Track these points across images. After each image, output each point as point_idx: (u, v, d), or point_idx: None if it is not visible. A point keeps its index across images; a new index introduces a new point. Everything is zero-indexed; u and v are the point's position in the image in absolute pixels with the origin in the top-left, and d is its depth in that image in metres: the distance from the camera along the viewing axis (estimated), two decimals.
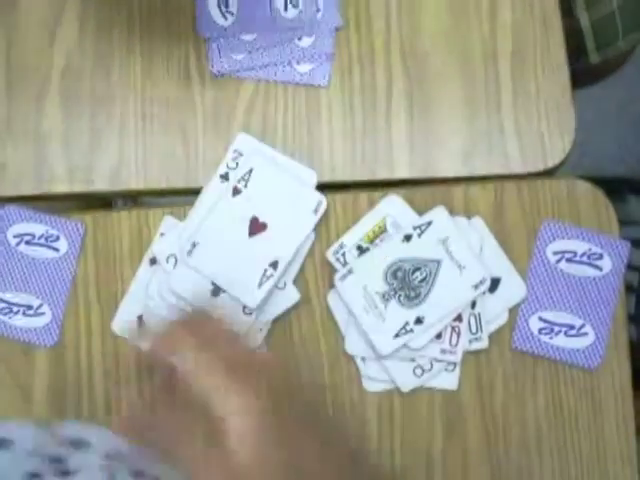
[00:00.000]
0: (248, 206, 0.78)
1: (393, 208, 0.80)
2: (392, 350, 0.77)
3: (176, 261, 0.78)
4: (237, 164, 0.79)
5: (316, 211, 0.78)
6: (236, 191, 0.78)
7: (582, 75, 1.13)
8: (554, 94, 0.83)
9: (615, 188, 1.20)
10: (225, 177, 0.79)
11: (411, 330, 0.77)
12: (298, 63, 0.83)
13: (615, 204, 1.22)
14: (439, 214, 0.79)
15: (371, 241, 0.80)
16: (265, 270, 0.77)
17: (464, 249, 0.79)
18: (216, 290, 0.77)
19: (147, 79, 0.83)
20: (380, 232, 0.80)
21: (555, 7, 0.85)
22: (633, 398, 1.20)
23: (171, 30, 0.84)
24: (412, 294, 0.78)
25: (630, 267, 1.17)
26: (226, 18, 0.83)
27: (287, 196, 0.78)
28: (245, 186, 0.78)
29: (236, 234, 0.78)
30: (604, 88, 1.62)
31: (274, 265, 0.77)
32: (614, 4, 1.03)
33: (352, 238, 0.80)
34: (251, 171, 0.79)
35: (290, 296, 0.78)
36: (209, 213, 0.78)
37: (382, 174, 0.82)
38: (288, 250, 0.78)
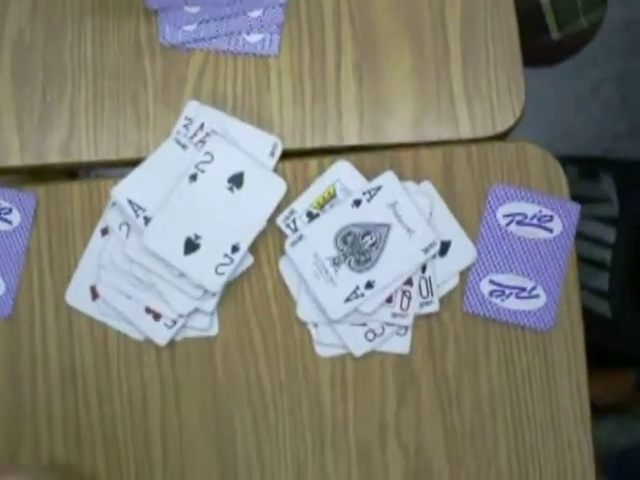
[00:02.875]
0: (205, 177, 0.78)
1: (343, 174, 0.80)
2: (343, 314, 0.78)
3: (129, 228, 0.78)
4: (188, 130, 0.80)
5: (273, 154, 0.79)
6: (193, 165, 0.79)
7: (547, 52, 1.14)
8: (504, 61, 0.83)
9: (589, 167, 1.20)
10: (178, 143, 0.79)
11: (362, 294, 0.78)
12: (248, 34, 0.84)
13: (588, 183, 1.23)
14: (388, 179, 0.79)
15: (321, 207, 0.80)
16: (225, 254, 0.78)
17: (413, 213, 0.79)
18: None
19: (98, 52, 0.84)
20: (330, 198, 0.80)
21: None
22: (605, 376, 1.21)
23: (122, 3, 0.84)
24: (362, 259, 0.78)
25: (603, 244, 1.18)
26: None
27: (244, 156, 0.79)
28: (199, 150, 0.79)
29: (193, 207, 0.78)
30: (577, 70, 1.63)
31: (235, 249, 0.77)
32: None
33: (302, 204, 0.80)
34: (205, 135, 0.79)
35: (243, 260, 0.78)
36: (161, 180, 0.78)
37: (332, 141, 0.82)
38: (250, 233, 0.78)
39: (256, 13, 0.84)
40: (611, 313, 1.18)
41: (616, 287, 1.18)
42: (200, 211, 0.77)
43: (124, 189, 0.78)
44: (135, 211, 0.77)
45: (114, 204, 0.79)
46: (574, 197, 0.80)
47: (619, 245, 1.18)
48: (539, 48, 1.09)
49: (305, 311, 0.79)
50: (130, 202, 0.77)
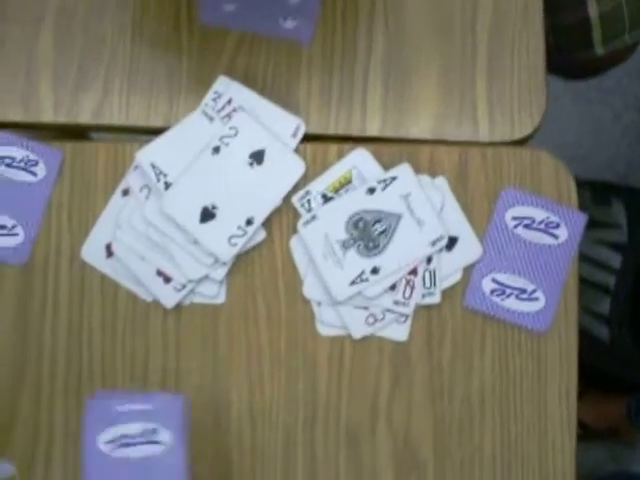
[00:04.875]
0: (229, 150, 0.81)
1: (360, 161, 0.83)
2: (347, 297, 0.80)
3: (149, 191, 0.81)
4: (216, 103, 0.83)
5: (295, 135, 0.81)
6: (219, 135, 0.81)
7: (586, 66, 1.15)
8: (528, 71, 0.86)
9: (601, 192, 1.23)
10: (206, 115, 0.82)
11: (367, 279, 0.80)
12: (285, 19, 0.86)
13: (600, 207, 1.25)
14: (404, 170, 0.82)
15: (336, 191, 0.82)
16: (239, 226, 0.80)
17: (425, 206, 0.81)
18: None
19: (138, 24, 0.87)
20: (346, 183, 0.82)
21: None
22: (599, 399, 1.22)
23: None
24: (371, 245, 0.80)
25: (608, 269, 1.20)
26: None
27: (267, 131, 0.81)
28: (225, 124, 0.81)
29: (213, 178, 0.80)
30: (600, 94, 1.65)
31: (249, 222, 0.80)
32: None
33: (318, 186, 0.82)
34: (232, 110, 0.82)
35: (256, 234, 0.81)
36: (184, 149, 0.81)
37: (354, 131, 0.85)
38: (265, 208, 0.81)
39: (294, 0, 0.86)
40: (609, 338, 1.19)
41: (616, 313, 1.19)
42: (219, 182, 0.80)
43: (148, 153, 0.81)
44: (157, 175, 0.80)
45: (137, 167, 0.82)
46: None
47: (624, 271, 1.20)
48: (579, 62, 1.11)
49: (311, 290, 0.81)
50: (153, 166, 0.80)
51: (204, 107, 0.83)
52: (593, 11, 1.05)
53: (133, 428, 0.73)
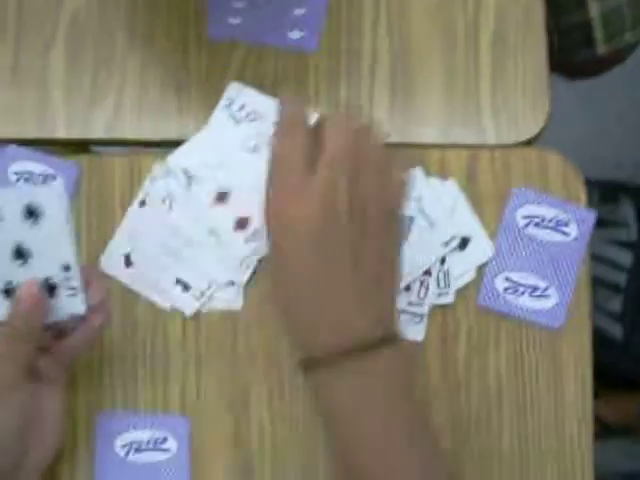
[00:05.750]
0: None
1: None
2: None
3: (171, 201, 0.83)
4: (230, 109, 0.85)
5: None
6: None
7: (588, 65, 1.17)
8: (532, 73, 0.88)
9: (609, 191, 1.24)
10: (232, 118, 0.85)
11: None
12: (291, 30, 0.88)
13: (608, 207, 1.26)
14: (414, 174, 0.83)
15: None
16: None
17: (437, 208, 0.83)
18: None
19: (148, 40, 0.89)
20: None
21: None
22: (613, 397, 1.23)
23: None
24: None
25: (619, 268, 1.21)
26: None
27: None
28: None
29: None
30: (604, 95, 1.66)
31: None
32: None
33: None
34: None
35: None
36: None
37: None
38: None
39: (299, 11, 0.88)
40: (622, 335, 1.20)
41: (629, 310, 1.20)
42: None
43: (179, 158, 0.83)
44: (188, 179, 0.82)
45: (153, 178, 0.84)
46: None
47: (635, 269, 1.21)
48: (581, 62, 1.12)
49: None
50: (185, 171, 0.82)
51: (227, 110, 0.84)
52: (594, 10, 1.07)
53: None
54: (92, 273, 0.73)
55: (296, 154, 0.62)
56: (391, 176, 0.64)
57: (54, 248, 0.69)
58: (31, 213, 0.69)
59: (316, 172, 0.61)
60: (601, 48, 1.08)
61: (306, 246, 0.61)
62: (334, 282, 0.62)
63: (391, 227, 0.64)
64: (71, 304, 0.71)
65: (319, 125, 0.65)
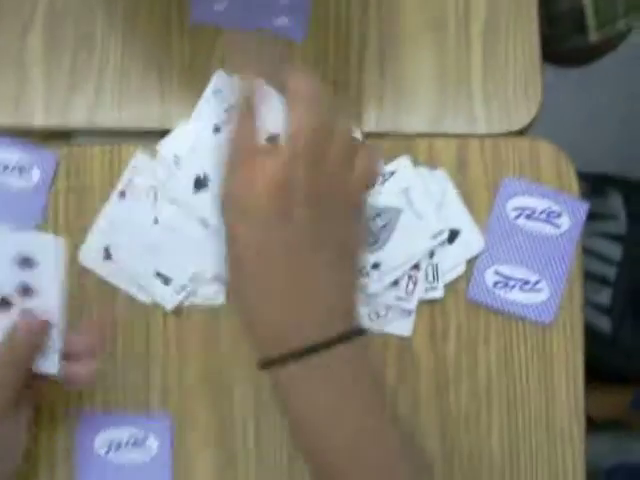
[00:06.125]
0: None
1: None
2: None
3: (156, 193, 0.80)
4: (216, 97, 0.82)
5: None
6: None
7: (581, 53, 1.15)
8: (524, 62, 0.86)
9: (599, 184, 1.22)
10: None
11: (367, 274, 0.79)
12: (276, 17, 0.86)
13: (597, 199, 1.24)
14: (403, 164, 0.81)
15: None
16: None
17: (425, 200, 0.80)
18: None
19: (130, 23, 0.86)
20: None
21: None
22: (603, 391, 1.21)
23: None
24: (371, 239, 0.80)
25: (608, 261, 1.19)
26: None
27: None
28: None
29: None
30: (596, 85, 1.65)
31: None
32: None
33: None
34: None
35: None
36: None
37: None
38: None
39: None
40: (611, 329, 1.19)
41: (618, 303, 1.19)
42: None
43: (170, 144, 0.81)
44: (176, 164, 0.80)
45: (135, 169, 0.81)
46: None
47: (624, 263, 1.19)
48: (572, 49, 1.11)
49: None
50: (175, 158, 0.80)
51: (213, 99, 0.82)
52: None
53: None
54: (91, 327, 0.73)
55: (253, 135, 0.59)
56: (353, 167, 0.61)
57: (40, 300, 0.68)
58: (25, 261, 0.68)
59: (274, 155, 0.58)
60: (593, 35, 1.06)
61: (261, 232, 0.58)
62: (293, 275, 0.58)
63: (350, 218, 0.61)
64: (45, 361, 0.69)
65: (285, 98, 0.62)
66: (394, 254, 0.79)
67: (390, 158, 0.82)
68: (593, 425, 1.26)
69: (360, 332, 0.59)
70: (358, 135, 0.69)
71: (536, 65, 0.86)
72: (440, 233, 0.80)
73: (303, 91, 0.58)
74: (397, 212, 0.80)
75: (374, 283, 0.79)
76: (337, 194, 0.59)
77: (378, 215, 0.80)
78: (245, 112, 0.60)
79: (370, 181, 0.61)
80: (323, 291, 0.59)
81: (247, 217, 0.57)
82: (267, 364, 0.58)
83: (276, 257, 0.58)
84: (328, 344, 0.57)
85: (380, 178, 0.80)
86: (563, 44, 1.09)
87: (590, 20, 1.05)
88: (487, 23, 0.86)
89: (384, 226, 0.80)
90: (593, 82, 1.64)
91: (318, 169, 0.58)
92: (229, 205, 0.58)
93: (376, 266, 0.79)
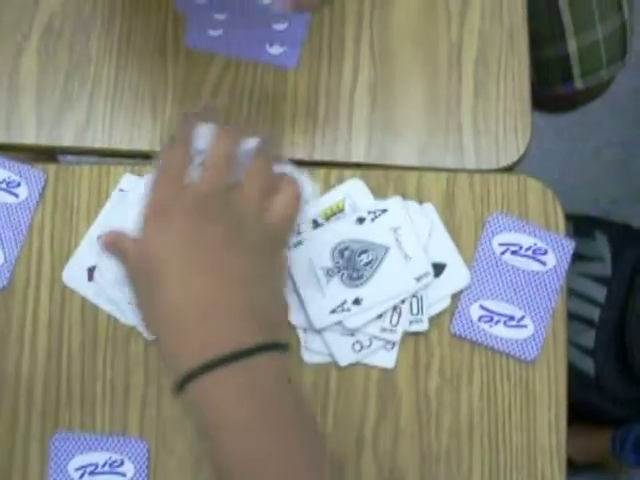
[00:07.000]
0: None
1: (354, 191, 0.82)
2: (326, 325, 0.78)
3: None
4: None
5: None
6: None
7: (566, 100, 1.17)
8: (514, 99, 0.86)
9: (585, 226, 1.23)
10: None
11: (348, 309, 0.79)
12: (271, 45, 0.86)
13: (584, 241, 1.24)
14: (395, 204, 0.81)
15: (327, 218, 0.81)
16: None
17: (413, 241, 0.80)
18: None
19: (124, 46, 0.86)
20: (338, 211, 0.82)
21: (523, 21, 0.88)
22: (585, 432, 1.21)
23: (152, 3, 0.87)
24: (355, 275, 0.79)
25: (593, 302, 1.19)
26: None
27: None
28: None
29: None
30: (582, 131, 1.66)
31: None
32: (599, 34, 1.07)
33: (310, 212, 0.81)
34: None
35: None
36: None
37: (339, 157, 0.84)
38: None
39: (280, 26, 0.86)
40: (594, 371, 1.18)
41: (601, 346, 1.19)
42: None
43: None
44: None
45: (121, 190, 0.81)
46: None
47: (608, 305, 1.19)
48: (558, 96, 1.13)
49: (295, 316, 0.80)
50: None
51: None
52: (572, 45, 1.07)
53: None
54: None
55: (178, 164, 0.64)
56: (274, 197, 0.65)
57: None
58: None
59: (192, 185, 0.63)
60: (579, 83, 1.09)
61: (179, 252, 0.61)
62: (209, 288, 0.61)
63: (270, 246, 0.66)
64: None
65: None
66: (376, 291, 0.79)
67: (379, 191, 0.82)
68: (573, 467, 1.26)
69: (278, 347, 0.61)
70: (287, 167, 0.69)
71: (526, 102, 0.86)
72: (424, 276, 0.80)
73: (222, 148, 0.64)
74: (384, 250, 0.80)
75: (354, 317, 0.79)
76: (253, 226, 0.63)
77: (365, 251, 0.80)
78: (177, 142, 0.65)
79: (287, 219, 0.66)
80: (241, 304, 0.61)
81: (164, 243, 0.62)
82: (185, 380, 0.59)
83: (193, 272, 0.61)
84: (241, 354, 0.59)
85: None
86: (551, 89, 1.11)
87: (576, 69, 1.07)
88: (479, 59, 0.87)
89: (369, 263, 0.79)
90: (579, 127, 1.66)
91: (236, 198, 0.63)
92: (148, 228, 0.63)
93: (357, 302, 0.79)
